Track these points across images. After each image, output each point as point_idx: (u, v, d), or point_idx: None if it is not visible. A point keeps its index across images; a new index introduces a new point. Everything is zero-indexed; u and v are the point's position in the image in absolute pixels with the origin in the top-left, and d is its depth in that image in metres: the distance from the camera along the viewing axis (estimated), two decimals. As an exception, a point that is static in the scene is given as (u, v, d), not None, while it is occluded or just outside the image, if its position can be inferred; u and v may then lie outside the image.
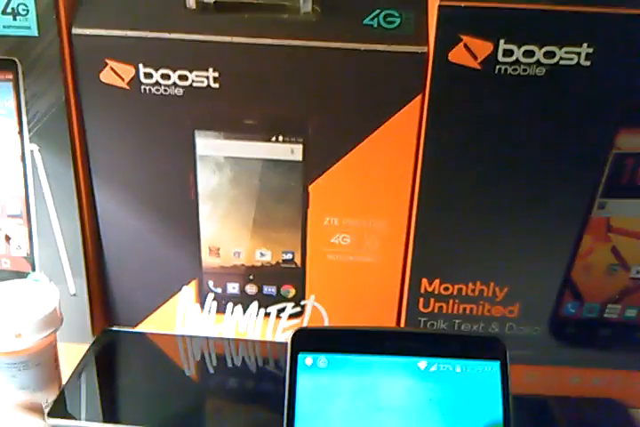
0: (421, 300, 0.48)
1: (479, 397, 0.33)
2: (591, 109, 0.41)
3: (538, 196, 0.44)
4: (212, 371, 0.48)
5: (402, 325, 0.49)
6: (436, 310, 0.48)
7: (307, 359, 0.33)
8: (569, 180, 0.43)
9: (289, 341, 0.33)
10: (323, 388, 0.33)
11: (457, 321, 0.49)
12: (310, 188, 0.45)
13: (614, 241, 0.46)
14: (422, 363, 0.33)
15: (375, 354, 0.33)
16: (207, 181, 0.46)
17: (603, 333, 0.49)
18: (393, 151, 0.44)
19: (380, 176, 0.44)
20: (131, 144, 0.45)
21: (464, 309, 0.48)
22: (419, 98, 0.42)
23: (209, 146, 0.45)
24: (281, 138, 0.44)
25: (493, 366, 0.33)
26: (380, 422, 0.33)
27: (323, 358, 0.33)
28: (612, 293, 0.48)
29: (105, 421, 0.42)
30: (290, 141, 0.44)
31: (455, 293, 0.47)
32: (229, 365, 0.49)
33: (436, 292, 0.47)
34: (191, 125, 0.44)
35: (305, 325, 0.50)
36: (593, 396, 0.50)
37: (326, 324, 0.50)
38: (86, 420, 0.42)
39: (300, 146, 0.44)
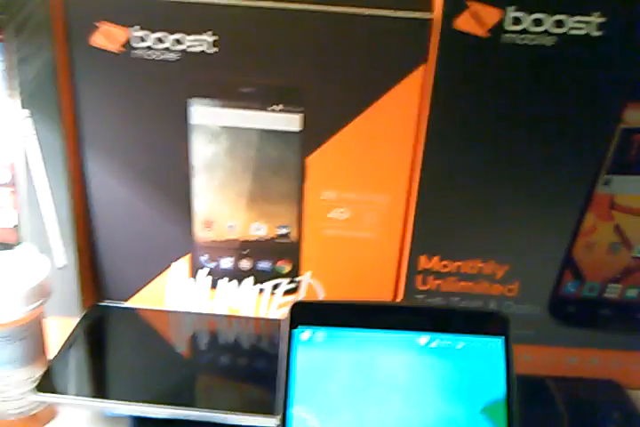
0: (419, 277, 0.47)
1: (481, 374, 0.32)
2: (599, 82, 0.40)
3: (541, 172, 0.43)
4: (203, 348, 0.47)
5: None
6: (433, 288, 0.48)
7: (304, 334, 0.32)
8: (574, 155, 0.42)
9: (287, 314, 0.32)
10: (320, 363, 0.32)
11: (455, 299, 0.48)
12: (308, 160, 0.44)
13: (617, 219, 0.45)
14: (423, 338, 0.32)
15: (374, 329, 0.33)
16: (201, 151, 0.45)
17: (602, 313, 0.48)
18: (395, 123, 0.42)
19: (381, 149, 0.43)
20: (122, 112, 0.43)
21: (462, 287, 0.48)
22: (423, 67, 0.41)
23: (204, 115, 0.43)
24: (279, 107, 0.43)
25: (496, 343, 0.32)
26: (378, 398, 0.32)
27: (320, 333, 0.32)
28: (613, 272, 0.47)
29: (94, 396, 0.41)
30: (288, 111, 0.43)
31: (454, 270, 0.47)
32: (222, 341, 0.48)
33: (435, 269, 0.47)
34: (185, 93, 0.43)
35: (300, 301, 0.49)
36: (591, 376, 0.50)
37: (322, 301, 0.49)
38: (75, 395, 0.41)
39: (299, 116, 0.43)
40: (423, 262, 0.47)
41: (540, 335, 0.48)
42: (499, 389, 0.32)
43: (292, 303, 0.32)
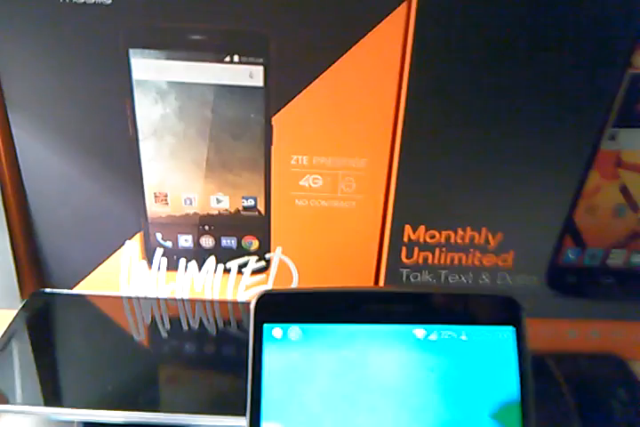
0: (404, 249, 0.44)
1: (490, 371, 0.28)
2: (606, 21, 0.36)
3: (539, 126, 0.39)
4: (164, 336, 0.43)
5: (381, 278, 0.45)
6: (420, 261, 0.45)
7: (275, 331, 0.27)
8: (576, 106, 0.39)
9: (252, 308, 0.26)
10: (296, 366, 0.27)
11: (443, 272, 0.45)
12: (274, 120, 0.40)
13: (624, 178, 0.42)
14: (420, 331, 0.28)
15: (361, 322, 0.28)
16: (148, 112, 0.39)
17: (604, 281, 0.46)
18: (372, 74, 0.38)
19: (358, 105, 0.39)
20: (51, 67, 0.38)
21: (452, 258, 0.45)
22: (403, 7, 0.36)
23: (147, 68, 0.38)
24: (237, 58, 0.38)
25: (507, 333, 0.27)
26: (368, 405, 0.27)
27: (295, 329, 0.27)
28: (617, 237, 0.45)
29: (37, 402, 0.37)
30: (248, 62, 0.38)
31: (442, 241, 0.44)
32: (184, 329, 0.44)
33: (421, 240, 0.44)
34: (124, 43, 0.37)
35: (271, 282, 0.46)
36: (591, 350, 0.48)
37: (295, 280, 0.46)
38: (15, 403, 0.36)
39: (261, 68, 0.38)
40: (407, 233, 0.43)
41: (537, 308, 0.44)
42: (511, 389, 0.27)
43: (258, 295, 0.26)
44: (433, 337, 0.27)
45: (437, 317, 0.28)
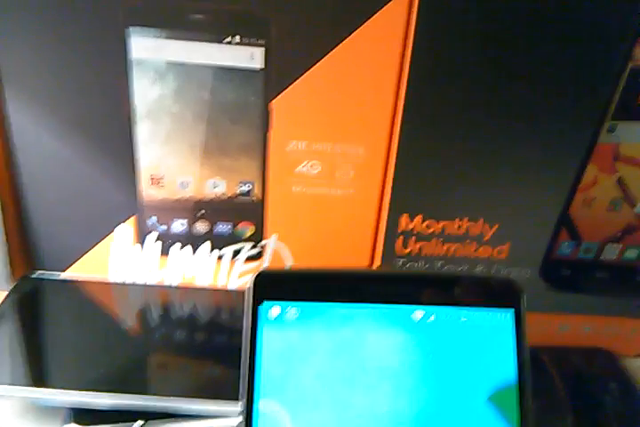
0: (400, 239, 0.44)
1: (488, 355, 0.27)
2: (607, 14, 0.36)
3: (538, 117, 0.39)
4: (154, 324, 0.43)
5: (375, 267, 0.45)
6: (415, 251, 0.44)
7: (272, 310, 0.26)
8: (575, 98, 0.38)
9: (249, 286, 0.26)
10: (292, 346, 0.26)
11: (439, 263, 0.45)
12: (273, 104, 0.39)
13: (621, 172, 0.42)
14: (418, 313, 0.27)
15: (359, 302, 0.27)
16: (145, 93, 0.38)
17: (598, 276, 0.46)
18: (373, 60, 0.37)
19: (358, 91, 0.38)
20: (47, 45, 0.37)
21: (448, 249, 0.44)
22: None
23: (146, 47, 0.37)
24: (238, 38, 0.37)
25: (506, 315, 0.27)
26: (364, 387, 0.26)
27: (293, 309, 0.26)
28: (612, 231, 0.45)
29: (26, 384, 0.36)
30: (249, 43, 0.37)
31: (439, 231, 0.43)
32: (175, 317, 0.43)
33: (418, 230, 0.43)
34: (123, 20, 0.36)
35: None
36: (583, 344, 0.48)
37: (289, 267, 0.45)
38: (4, 384, 0.35)
39: (262, 49, 0.37)
40: (404, 223, 0.43)
41: (531, 301, 0.44)
42: (509, 373, 0.27)
43: (255, 273, 0.26)
44: (431, 319, 0.27)
45: (436, 298, 0.27)
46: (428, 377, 0.27)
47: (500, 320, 0.27)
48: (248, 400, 0.25)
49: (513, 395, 0.27)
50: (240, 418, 0.26)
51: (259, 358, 0.26)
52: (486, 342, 0.27)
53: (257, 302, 0.26)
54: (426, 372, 0.27)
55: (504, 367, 0.27)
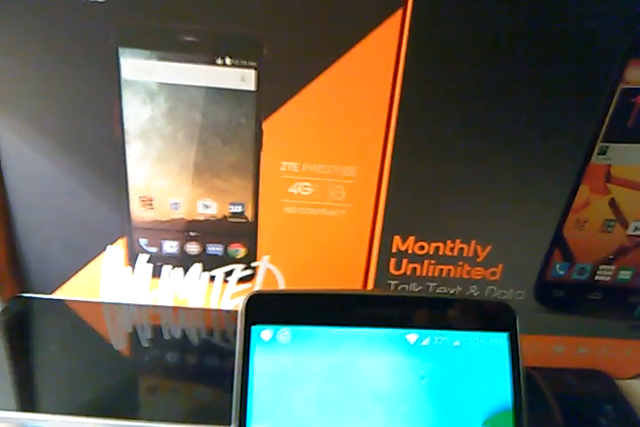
0: (393, 260, 0.43)
1: (483, 378, 0.27)
2: (598, 36, 0.36)
3: (530, 139, 0.39)
4: (145, 346, 0.42)
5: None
6: (408, 272, 0.44)
7: (264, 333, 0.26)
8: (567, 120, 0.38)
9: (241, 309, 0.25)
10: (284, 370, 0.26)
11: (432, 284, 0.44)
12: (264, 125, 0.39)
13: (613, 193, 0.42)
14: (412, 336, 0.27)
15: (352, 326, 0.27)
16: (136, 114, 0.39)
17: (592, 297, 0.46)
18: (365, 82, 0.38)
19: (350, 113, 0.39)
20: (38, 64, 0.37)
21: (440, 270, 0.44)
22: (398, 14, 0.35)
23: (138, 68, 0.37)
24: (229, 60, 0.37)
25: (500, 339, 0.27)
26: (359, 410, 0.26)
27: (285, 331, 0.26)
28: (605, 252, 0.44)
29: (15, 408, 0.35)
30: (240, 65, 0.37)
31: (431, 252, 0.43)
32: (167, 337, 0.43)
33: (410, 251, 0.43)
34: (115, 41, 0.37)
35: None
36: (577, 366, 0.47)
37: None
38: None
39: (253, 71, 0.38)
40: (397, 244, 0.43)
41: (525, 323, 0.44)
42: (504, 396, 0.26)
43: (247, 295, 0.26)
44: (425, 342, 0.27)
45: (430, 322, 0.27)
46: (422, 401, 0.26)
47: (495, 344, 0.27)
48: (240, 426, 0.25)
49: (509, 419, 0.26)
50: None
51: (250, 381, 0.25)
52: (481, 365, 0.27)
53: (249, 324, 0.26)
54: (420, 396, 0.26)
55: (499, 391, 0.26)
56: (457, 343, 0.27)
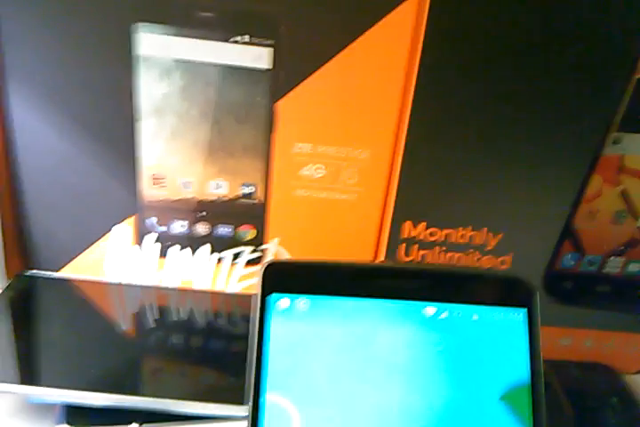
0: (403, 246, 0.43)
1: (500, 353, 0.27)
2: (612, 25, 0.36)
3: (544, 128, 0.39)
4: (151, 326, 0.41)
5: None
6: (418, 259, 0.43)
7: (281, 301, 0.25)
8: (580, 110, 0.38)
9: (258, 276, 0.25)
10: (301, 339, 0.26)
11: None
12: (278, 105, 0.38)
13: (625, 184, 0.42)
14: (430, 309, 0.27)
15: (370, 297, 0.26)
16: (150, 90, 0.38)
17: (600, 289, 0.46)
18: (382, 62, 0.37)
19: (364, 95, 0.38)
20: (52, 40, 0.37)
21: (450, 258, 0.44)
22: None
23: (153, 44, 0.37)
24: (246, 38, 0.37)
25: (518, 315, 0.26)
26: (374, 383, 0.25)
27: (302, 301, 0.25)
28: (615, 244, 0.44)
29: (20, 382, 0.35)
30: (257, 43, 0.37)
31: (442, 239, 0.43)
32: (173, 319, 0.42)
33: (421, 237, 0.43)
34: (130, 16, 0.36)
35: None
36: (583, 359, 0.47)
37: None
38: (1, 381, 0.34)
39: (270, 50, 0.37)
40: (407, 229, 0.42)
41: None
42: (522, 372, 0.26)
43: (264, 264, 0.25)
44: (443, 316, 0.26)
45: (449, 295, 0.27)
46: (438, 374, 0.26)
47: (513, 319, 0.26)
48: (255, 393, 0.24)
49: (526, 395, 0.26)
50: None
51: (266, 350, 0.25)
52: (498, 340, 0.26)
53: (266, 293, 0.25)
54: (436, 369, 0.26)
55: (517, 367, 0.26)
56: (475, 317, 0.26)
